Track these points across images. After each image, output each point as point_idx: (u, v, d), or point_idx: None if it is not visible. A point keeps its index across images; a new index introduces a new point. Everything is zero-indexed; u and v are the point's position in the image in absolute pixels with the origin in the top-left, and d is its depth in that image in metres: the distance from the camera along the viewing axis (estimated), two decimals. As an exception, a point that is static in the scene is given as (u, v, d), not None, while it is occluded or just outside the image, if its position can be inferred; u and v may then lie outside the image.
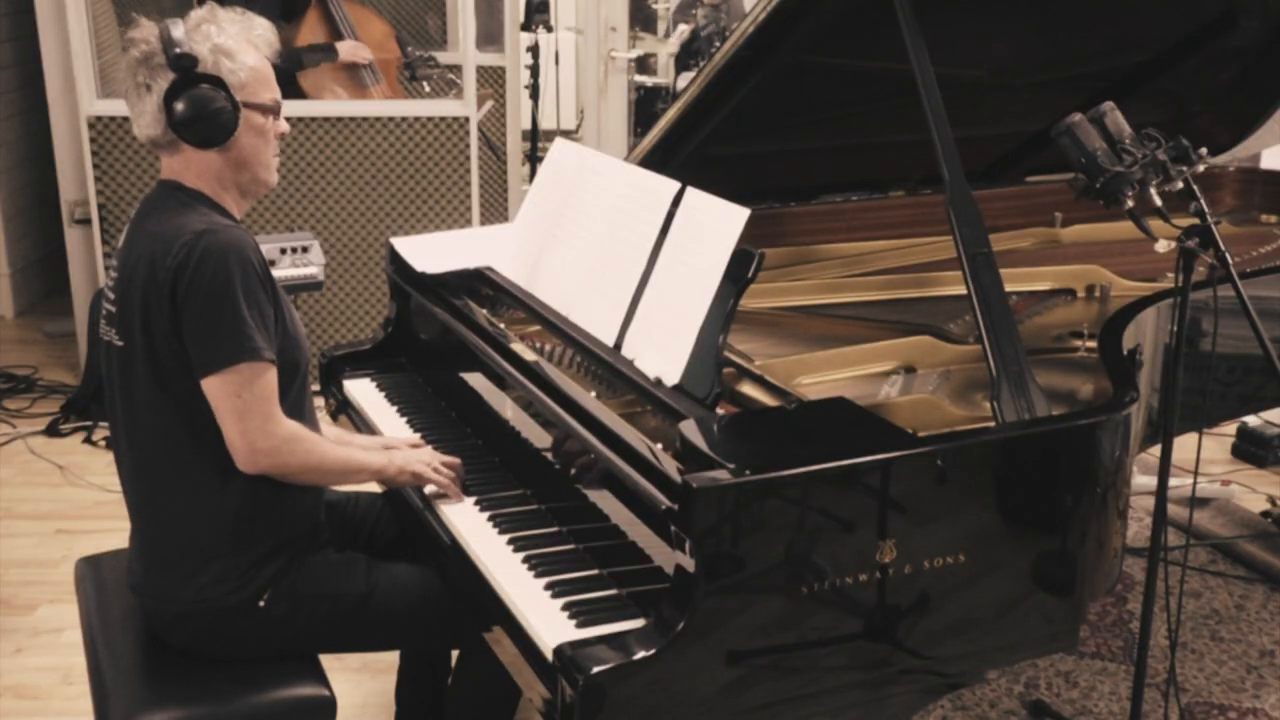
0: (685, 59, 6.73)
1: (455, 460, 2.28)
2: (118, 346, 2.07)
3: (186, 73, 2.01)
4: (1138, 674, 2.36)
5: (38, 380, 4.95)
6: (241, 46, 2.07)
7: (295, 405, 2.11)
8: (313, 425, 2.18)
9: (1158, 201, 2.14)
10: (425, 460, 2.25)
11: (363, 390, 2.76)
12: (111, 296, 2.09)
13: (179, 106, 2.01)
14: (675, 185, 2.22)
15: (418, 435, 2.49)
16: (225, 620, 2.06)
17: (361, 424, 2.64)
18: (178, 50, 2.00)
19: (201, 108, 2.02)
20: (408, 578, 2.18)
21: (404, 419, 2.60)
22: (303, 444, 2.07)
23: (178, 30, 2.03)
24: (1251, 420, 4.29)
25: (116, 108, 4.55)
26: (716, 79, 2.66)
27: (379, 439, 2.45)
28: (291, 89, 4.72)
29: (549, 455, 2.21)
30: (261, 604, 2.06)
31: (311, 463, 2.08)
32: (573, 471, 2.12)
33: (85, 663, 2.17)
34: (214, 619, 2.06)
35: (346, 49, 4.82)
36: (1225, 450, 4.36)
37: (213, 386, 1.98)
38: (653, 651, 1.68)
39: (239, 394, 1.97)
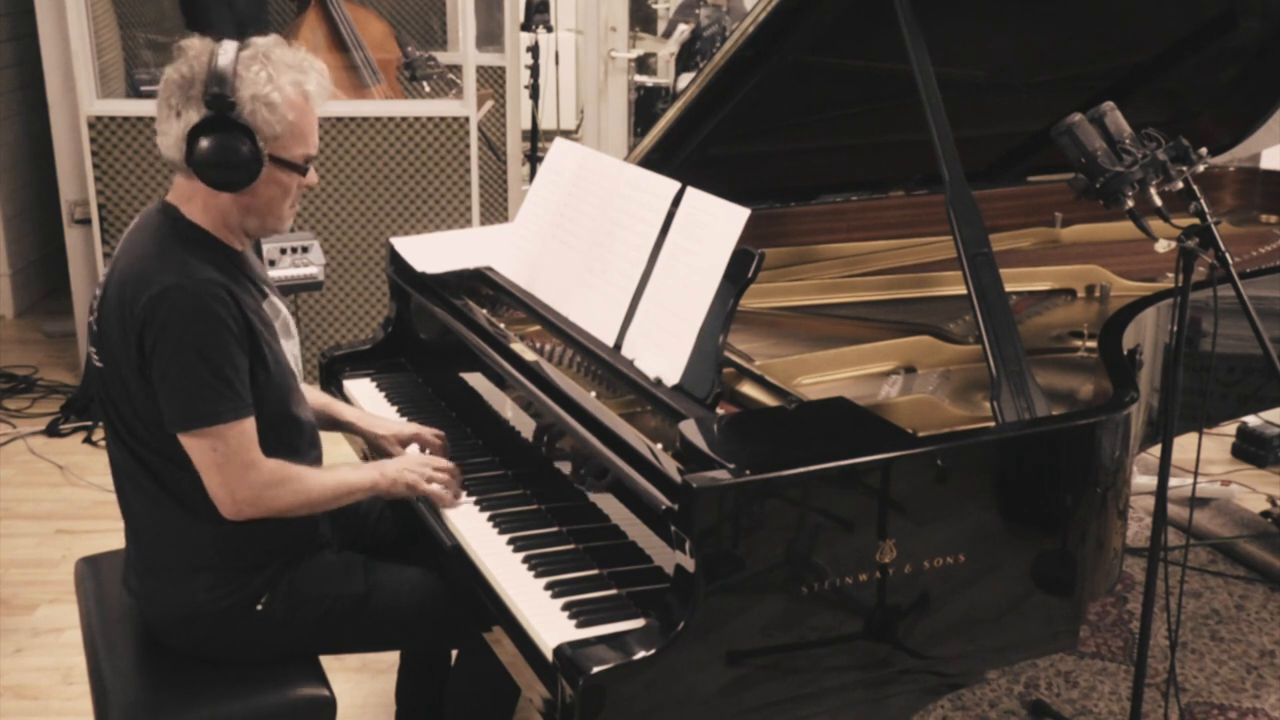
0: (686, 59, 6.73)
1: (448, 464, 2.25)
2: (99, 368, 2.04)
3: (218, 114, 1.94)
4: (1138, 674, 2.36)
5: (38, 380, 4.94)
6: (288, 98, 1.98)
7: (286, 444, 2.08)
8: (309, 458, 2.16)
9: (1158, 201, 2.14)
10: (417, 470, 2.20)
11: (363, 390, 2.76)
12: (95, 313, 2.05)
13: (200, 145, 1.94)
14: (675, 185, 2.22)
15: (403, 417, 2.49)
16: (223, 623, 2.06)
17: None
18: (216, 90, 1.92)
19: (222, 155, 1.94)
20: (407, 578, 2.18)
21: (404, 419, 2.60)
22: (287, 485, 2.02)
23: (225, 60, 1.94)
24: (1251, 420, 4.29)
25: (116, 108, 4.56)
26: (717, 79, 2.66)
27: (365, 416, 2.47)
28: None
29: (548, 455, 2.21)
30: (259, 607, 2.06)
31: (299, 500, 2.04)
32: (572, 471, 2.12)
33: (85, 663, 2.17)
34: (211, 622, 2.06)
35: None
36: (1225, 450, 4.36)
37: (186, 441, 1.96)
38: (653, 651, 1.68)
39: (213, 448, 1.94)
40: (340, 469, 2.17)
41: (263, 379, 2.01)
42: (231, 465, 1.95)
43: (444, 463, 2.25)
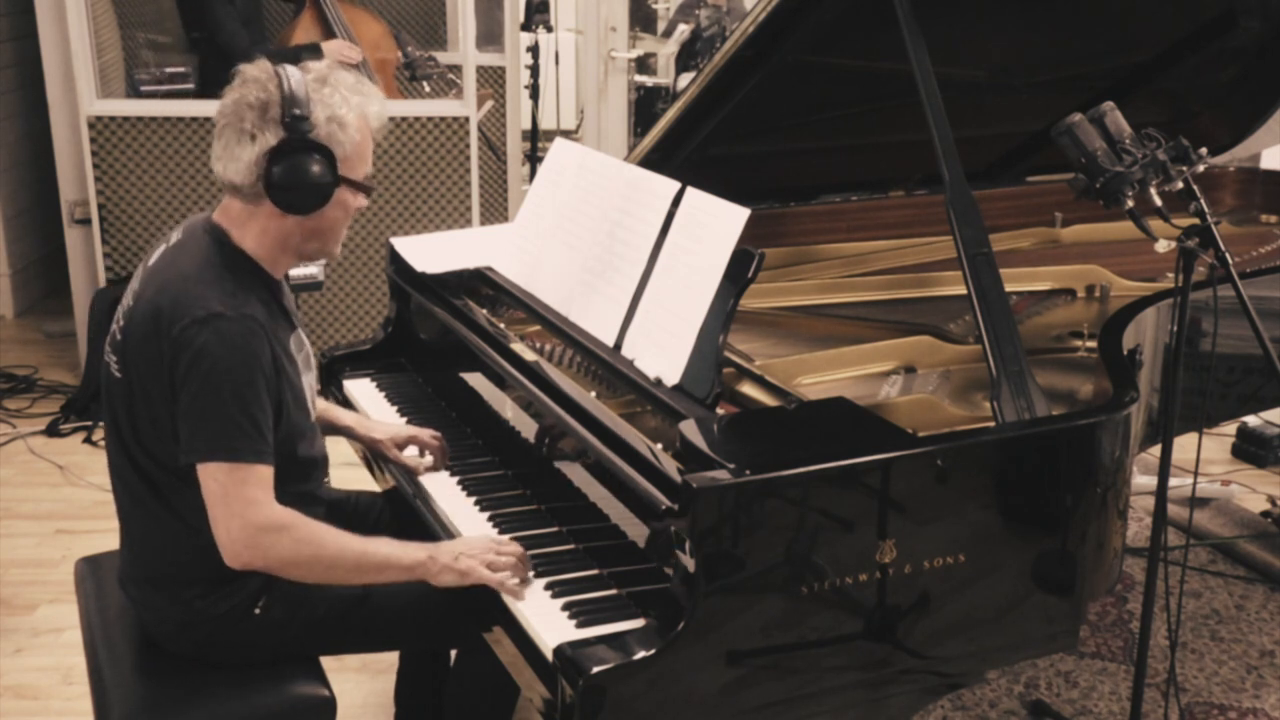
0: (686, 59, 6.73)
1: (516, 547, 2.02)
2: (116, 377, 2.01)
3: (300, 137, 1.94)
4: (1138, 674, 2.36)
5: (38, 380, 4.94)
6: (356, 118, 2.00)
7: (297, 475, 2.05)
8: (314, 481, 2.13)
9: (1158, 201, 2.14)
10: (477, 555, 1.98)
11: (363, 390, 2.76)
12: (121, 322, 2.03)
13: (280, 169, 1.93)
14: (675, 185, 2.22)
15: (402, 417, 2.49)
16: (221, 628, 2.05)
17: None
18: (296, 111, 1.93)
19: (303, 177, 1.94)
20: (406, 578, 2.17)
21: (404, 419, 2.60)
22: (288, 533, 1.92)
23: (297, 83, 1.94)
24: (1251, 420, 4.29)
25: (116, 108, 4.56)
26: (717, 79, 2.66)
27: (362, 421, 2.47)
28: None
29: (548, 455, 2.21)
30: (258, 611, 2.05)
31: (305, 553, 1.93)
32: (570, 469, 2.12)
33: (85, 663, 2.17)
34: (210, 627, 2.05)
35: (332, 48, 4.78)
36: (1225, 450, 4.36)
37: (199, 469, 1.92)
38: (653, 651, 1.68)
39: (217, 480, 1.90)
40: (381, 540, 2.02)
41: (282, 418, 1.99)
42: (233, 501, 1.90)
43: (512, 546, 2.02)
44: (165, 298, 1.94)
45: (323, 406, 2.44)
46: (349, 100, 2.00)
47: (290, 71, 1.96)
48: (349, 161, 2.01)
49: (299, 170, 1.94)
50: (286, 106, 1.93)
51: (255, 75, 1.98)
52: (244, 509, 1.90)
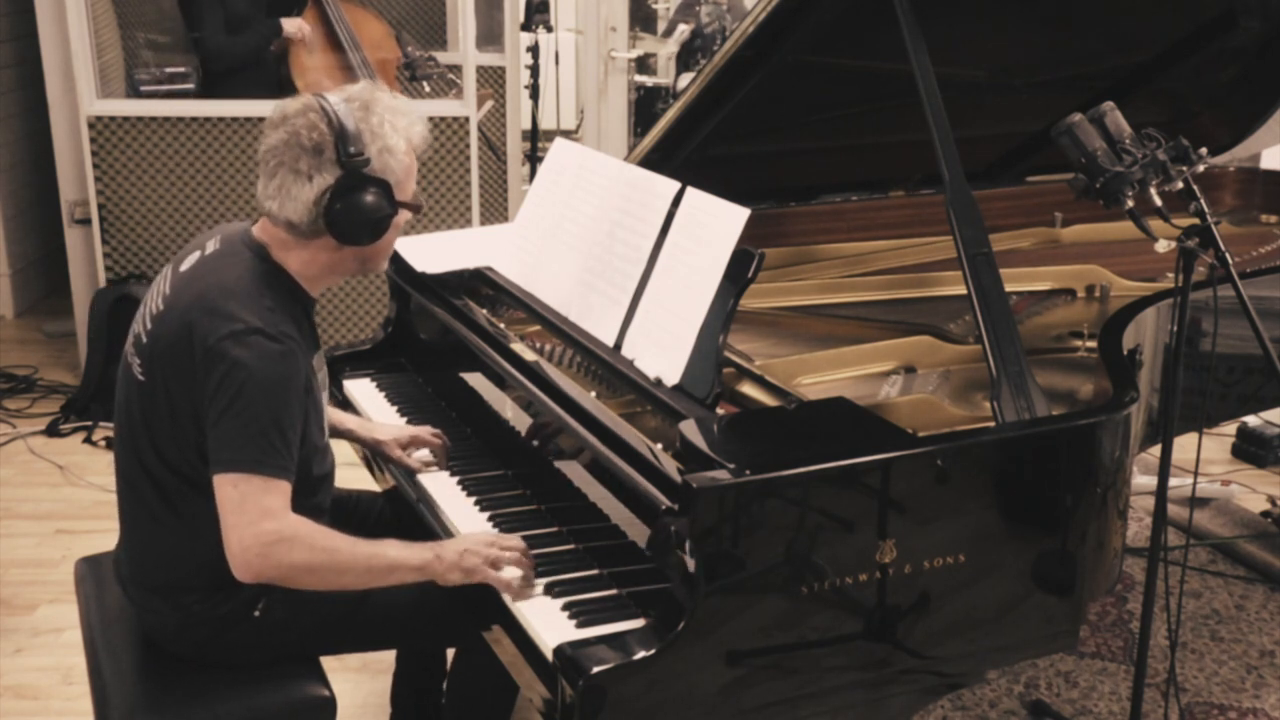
0: (686, 59, 6.72)
1: (517, 542, 2.01)
2: (139, 380, 2.00)
3: (357, 173, 1.94)
4: (1138, 674, 2.36)
5: (38, 380, 4.94)
6: (403, 144, 2.01)
7: (306, 489, 2.03)
8: (321, 492, 2.12)
9: (1158, 201, 2.14)
10: (481, 552, 1.97)
11: (363, 390, 2.76)
12: (149, 326, 2.01)
13: (341, 207, 1.94)
14: (675, 185, 2.22)
15: (403, 417, 2.49)
16: (221, 629, 2.05)
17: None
18: (352, 149, 1.93)
19: (365, 213, 1.96)
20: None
21: (404, 419, 2.60)
22: (301, 542, 1.89)
23: (349, 119, 1.94)
24: (1251, 420, 4.29)
25: (116, 108, 4.56)
26: (717, 79, 2.66)
27: (364, 424, 2.47)
28: (289, 89, 4.72)
29: (548, 455, 2.21)
30: (257, 613, 2.05)
31: (319, 560, 1.90)
32: (570, 469, 2.12)
33: (85, 663, 2.17)
34: (209, 629, 2.05)
35: (290, 27, 4.77)
36: (1225, 450, 4.36)
37: (217, 478, 1.90)
38: (653, 651, 1.68)
39: (235, 487, 1.88)
40: (387, 543, 1.99)
41: (307, 437, 1.99)
42: (249, 509, 1.88)
43: (512, 540, 2.01)
44: (201, 308, 1.93)
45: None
46: (397, 126, 2.00)
47: (335, 104, 1.95)
48: (401, 186, 2.02)
49: (360, 207, 1.95)
50: (341, 145, 1.93)
51: (299, 110, 1.96)
52: (260, 517, 1.88)
